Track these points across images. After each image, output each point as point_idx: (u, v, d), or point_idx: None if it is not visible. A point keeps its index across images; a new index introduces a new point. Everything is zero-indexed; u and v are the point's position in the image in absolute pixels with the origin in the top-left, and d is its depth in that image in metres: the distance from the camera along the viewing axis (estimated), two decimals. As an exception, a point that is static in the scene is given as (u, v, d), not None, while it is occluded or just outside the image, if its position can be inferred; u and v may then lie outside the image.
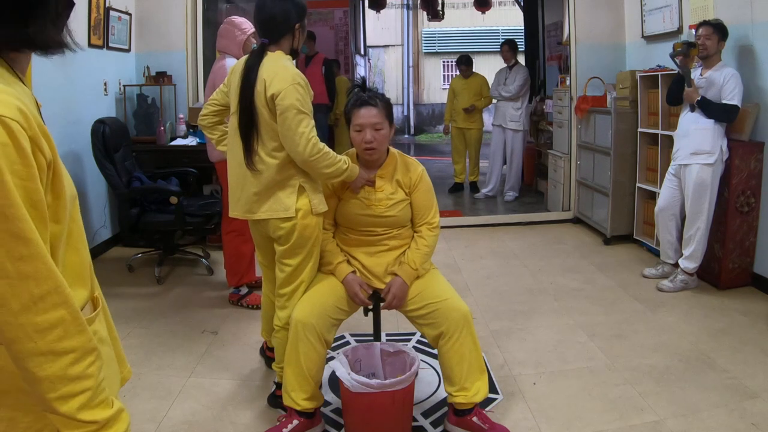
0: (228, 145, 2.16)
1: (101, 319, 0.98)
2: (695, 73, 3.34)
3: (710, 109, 3.20)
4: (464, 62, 6.16)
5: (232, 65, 2.95)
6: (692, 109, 3.30)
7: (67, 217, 0.88)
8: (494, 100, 6.07)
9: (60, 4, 0.86)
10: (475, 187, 6.33)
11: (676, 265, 3.49)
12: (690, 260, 3.35)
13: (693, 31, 3.38)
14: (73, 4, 0.91)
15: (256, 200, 2.04)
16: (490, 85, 6.03)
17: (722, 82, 3.17)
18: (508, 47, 5.85)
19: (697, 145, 3.25)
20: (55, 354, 0.78)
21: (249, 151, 2.02)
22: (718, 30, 3.19)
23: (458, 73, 6.28)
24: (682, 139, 3.35)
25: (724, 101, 3.17)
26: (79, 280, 0.94)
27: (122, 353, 1.10)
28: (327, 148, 1.98)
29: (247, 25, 3.13)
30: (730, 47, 3.36)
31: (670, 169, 3.47)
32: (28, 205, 0.76)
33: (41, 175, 0.79)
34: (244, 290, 3.27)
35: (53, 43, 0.86)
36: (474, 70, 6.22)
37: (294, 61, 2.10)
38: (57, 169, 0.83)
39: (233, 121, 2.08)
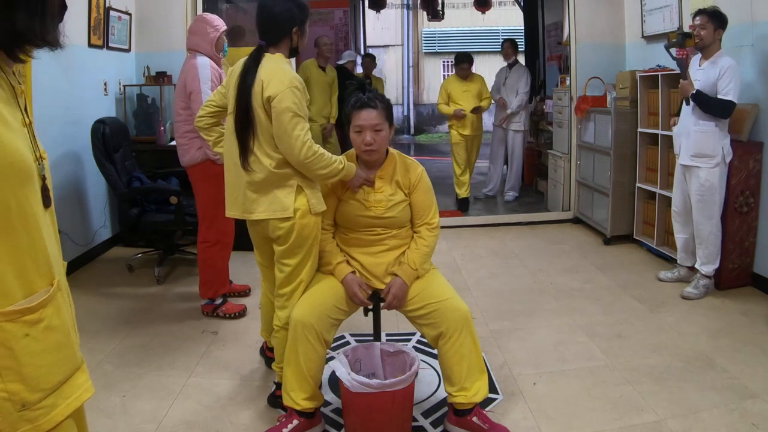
0: (224, 146, 2.16)
1: (55, 306, 0.98)
2: (694, 65, 3.25)
3: (705, 103, 3.09)
4: (467, 60, 5.55)
5: (205, 63, 2.94)
6: (687, 102, 3.21)
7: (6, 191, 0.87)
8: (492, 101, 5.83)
9: (51, 2, 0.89)
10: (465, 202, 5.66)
11: (692, 268, 3.44)
12: (709, 264, 3.27)
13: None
14: (65, 7, 0.94)
15: (254, 200, 2.04)
16: (489, 86, 5.75)
17: (717, 75, 3.04)
18: (510, 45, 5.87)
19: (697, 147, 3.18)
20: None
21: (245, 152, 2.02)
22: (714, 18, 3.04)
23: (454, 73, 5.65)
24: (683, 139, 3.28)
25: (719, 96, 3.04)
26: (29, 264, 0.93)
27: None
28: (321, 150, 1.99)
29: (219, 22, 3.03)
30: (730, 47, 3.33)
31: (677, 170, 3.41)
32: None
33: None
34: (218, 300, 3.13)
35: (42, 40, 0.89)
36: (474, 70, 5.72)
37: (293, 61, 2.10)
38: None
39: (230, 122, 2.08)
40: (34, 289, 0.94)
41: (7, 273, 0.90)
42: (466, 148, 5.62)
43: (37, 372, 0.93)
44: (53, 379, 0.98)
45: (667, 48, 3.21)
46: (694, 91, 3.13)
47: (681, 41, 3.12)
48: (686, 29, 3.86)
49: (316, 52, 5.34)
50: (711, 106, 3.08)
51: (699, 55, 3.24)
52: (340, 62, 6.01)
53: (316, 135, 5.19)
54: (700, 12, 3.11)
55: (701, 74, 3.16)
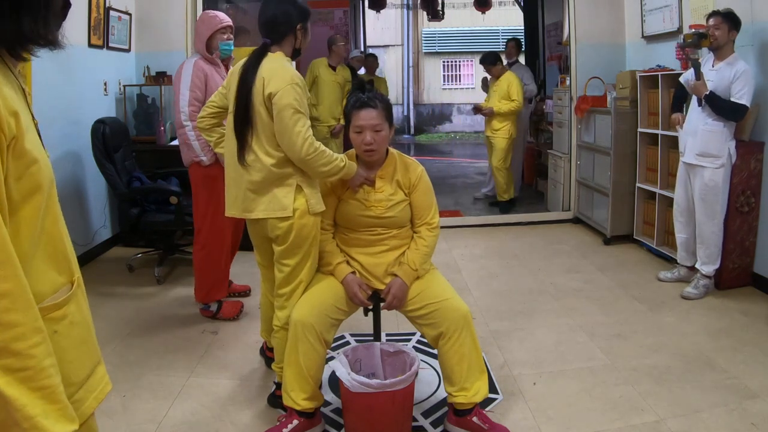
0: (225, 145, 2.17)
1: (76, 302, 1.00)
2: (707, 65, 3.24)
3: (717, 105, 3.09)
4: (488, 62, 5.36)
5: (189, 65, 2.91)
6: (700, 103, 3.21)
7: (42, 193, 0.89)
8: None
9: (54, 2, 0.90)
10: (504, 206, 5.43)
11: (692, 268, 3.43)
12: (709, 264, 3.27)
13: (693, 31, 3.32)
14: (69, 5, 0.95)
15: (254, 199, 2.05)
16: (520, 86, 5.26)
17: (732, 78, 3.05)
18: (514, 44, 5.89)
19: (703, 146, 3.18)
20: (0, 325, 0.78)
21: (242, 148, 2.03)
22: (728, 19, 3.07)
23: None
24: (690, 137, 3.27)
25: (732, 99, 3.05)
26: (55, 264, 0.95)
27: None
28: (323, 147, 2.00)
29: (215, 21, 2.92)
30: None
31: (681, 169, 3.41)
32: None
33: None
34: (213, 306, 3.06)
35: (44, 39, 0.90)
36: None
37: (294, 62, 2.10)
38: (21, 143, 0.85)
39: (230, 121, 2.08)
40: (58, 287, 0.96)
41: (41, 272, 0.91)
42: (490, 149, 5.50)
43: (67, 367, 0.94)
44: (81, 373, 1.00)
45: (682, 48, 3.21)
46: (707, 92, 3.13)
47: (696, 41, 3.13)
48: (686, 29, 3.87)
49: (330, 51, 5.21)
50: (723, 108, 3.09)
51: (711, 56, 3.23)
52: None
53: (323, 137, 5.13)
54: (714, 14, 3.14)
55: (714, 75, 3.16)
